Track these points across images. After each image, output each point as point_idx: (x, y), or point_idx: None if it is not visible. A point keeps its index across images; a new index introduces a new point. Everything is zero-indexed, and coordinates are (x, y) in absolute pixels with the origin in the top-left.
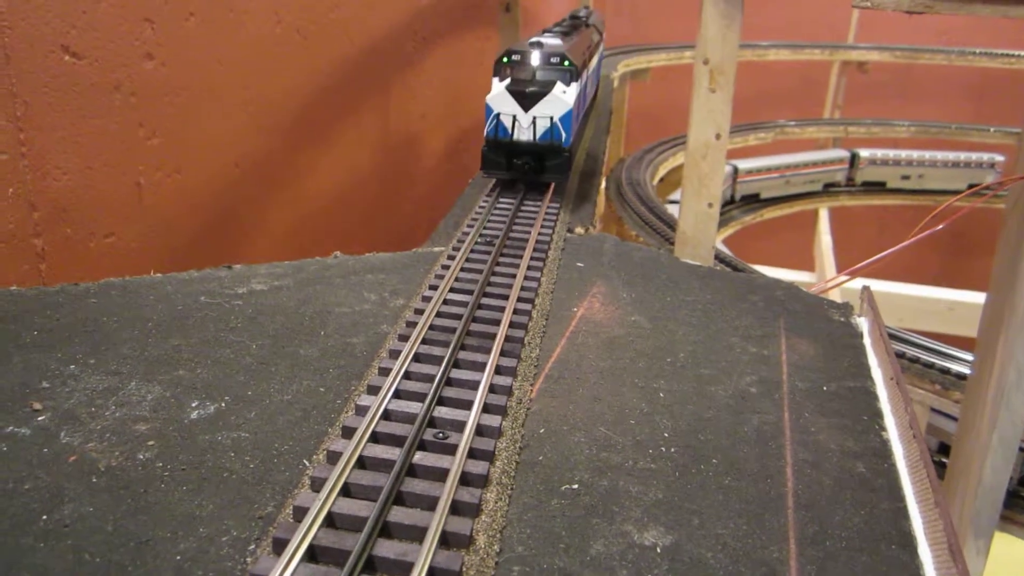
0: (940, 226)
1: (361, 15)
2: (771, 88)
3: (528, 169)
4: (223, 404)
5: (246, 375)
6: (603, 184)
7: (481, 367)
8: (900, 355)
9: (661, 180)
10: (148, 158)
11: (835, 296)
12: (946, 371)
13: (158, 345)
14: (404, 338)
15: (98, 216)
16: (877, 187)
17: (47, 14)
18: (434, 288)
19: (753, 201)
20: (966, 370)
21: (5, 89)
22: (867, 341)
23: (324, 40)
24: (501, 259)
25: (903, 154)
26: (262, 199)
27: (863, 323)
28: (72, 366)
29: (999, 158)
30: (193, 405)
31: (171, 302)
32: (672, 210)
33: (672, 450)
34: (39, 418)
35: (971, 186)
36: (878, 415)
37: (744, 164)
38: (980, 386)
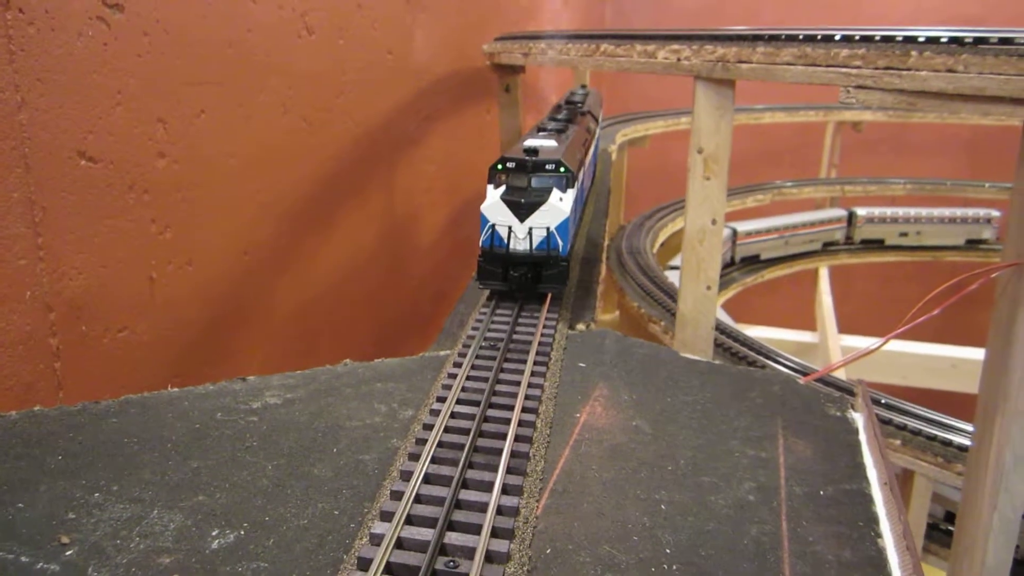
0: (936, 311)
1: (365, 100)
2: (768, 149)
3: (524, 280)
4: (242, 531)
5: (263, 498)
6: (602, 270)
7: (489, 487)
8: (902, 427)
9: (662, 245)
10: (160, 252)
11: (837, 351)
12: (948, 443)
13: (178, 468)
14: (414, 457)
15: (112, 312)
16: (875, 244)
17: (65, 122)
18: (442, 400)
19: (753, 262)
20: (968, 442)
21: (25, 197)
22: (862, 438)
23: (329, 126)
24: (505, 364)
25: (900, 212)
26: (271, 284)
27: (858, 419)
28: (96, 494)
29: (995, 213)
30: (214, 534)
31: (189, 420)
32: (672, 276)
33: (674, 567)
34: (67, 552)
35: (969, 242)
36: (874, 520)
37: (743, 226)
38: (979, 467)
